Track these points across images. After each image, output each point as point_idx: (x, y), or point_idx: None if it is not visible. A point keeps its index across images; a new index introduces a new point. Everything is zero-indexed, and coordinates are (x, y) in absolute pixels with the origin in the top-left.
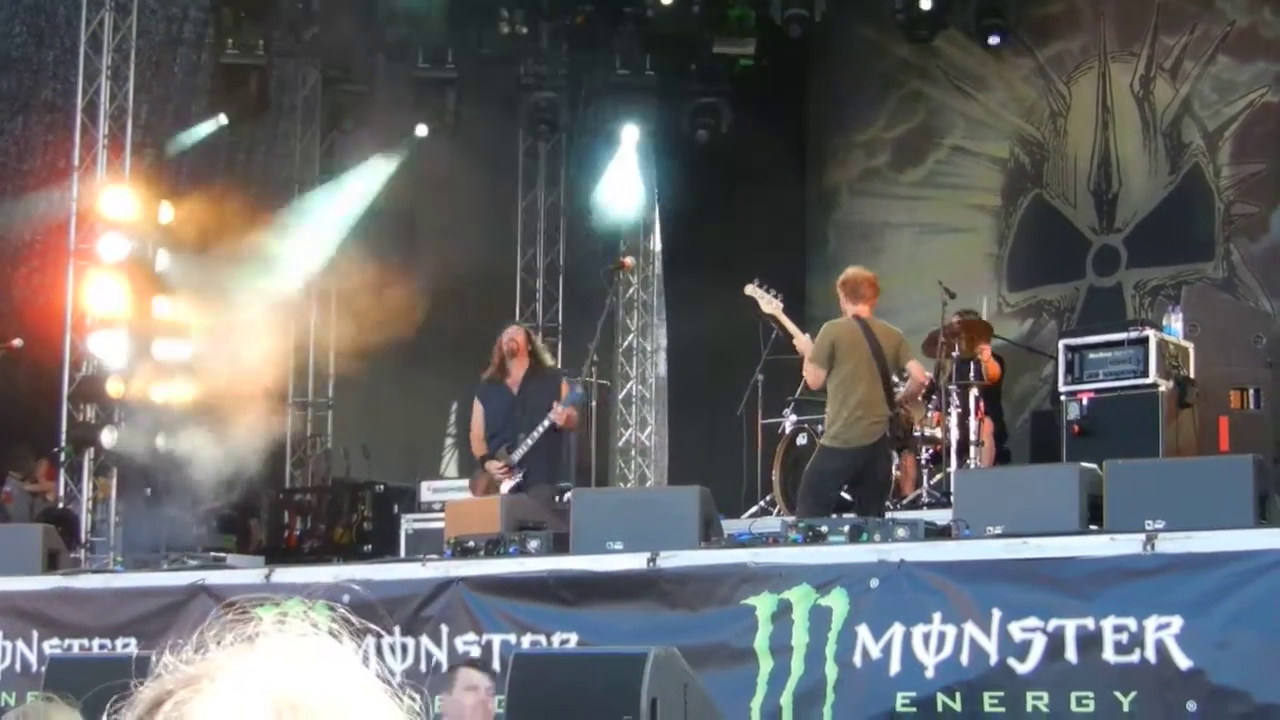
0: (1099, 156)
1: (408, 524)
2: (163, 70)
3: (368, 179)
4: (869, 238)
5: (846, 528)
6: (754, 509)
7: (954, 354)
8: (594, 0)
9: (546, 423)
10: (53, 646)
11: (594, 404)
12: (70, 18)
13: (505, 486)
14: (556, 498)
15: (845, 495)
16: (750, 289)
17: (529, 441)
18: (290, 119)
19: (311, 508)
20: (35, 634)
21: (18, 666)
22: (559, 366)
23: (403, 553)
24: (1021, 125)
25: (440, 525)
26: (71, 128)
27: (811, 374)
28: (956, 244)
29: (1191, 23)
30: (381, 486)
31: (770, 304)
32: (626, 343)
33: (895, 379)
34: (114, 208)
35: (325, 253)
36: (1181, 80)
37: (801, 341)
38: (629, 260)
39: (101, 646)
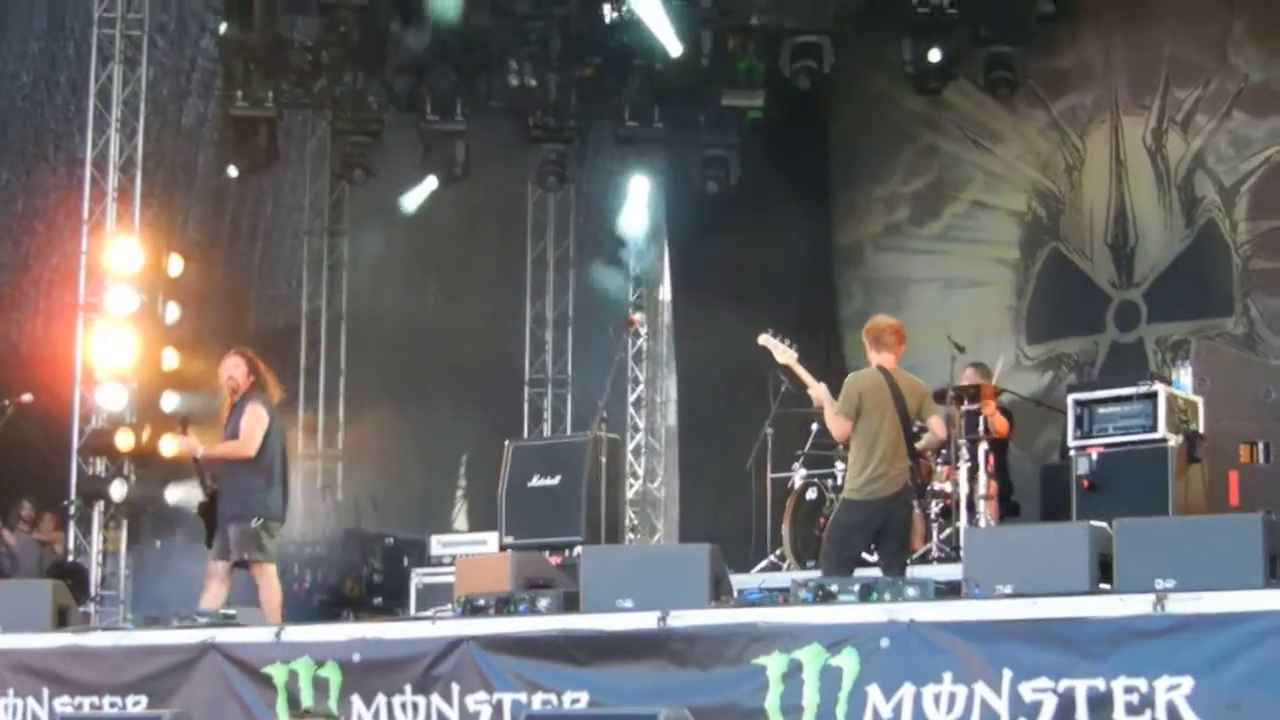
0: (1114, 210)
1: (418, 579)
2: (171, 123)
3: (377, 233)
4: (894, 293)
5: (857, 587)
6: (764, 563)
7: (963, 408)
8: (602, 52)
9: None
10: (63, 704)
11: (603, 458)
12: (80, 71)
13: None
14: (254, 523)
15: (866, 555)
16: (764, 339)
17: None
18: (299, 170)
19: (322, 560)
20: (45, 691)
21: None
22: (269, 392)
23: (413, 608)
24: (1038, 178)
25: (450, 580)
26: (81, 180)
27: (837, 427)
28: (977, 297)
29: (1205, 77)
30: (391, 539)
31: (785, 354)
32: (636, 394)
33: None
34: (123, 260)
35: (335, 304)
36: (1194, 134)
37: (817, 391)
38: (637, 317)
39: (112, 705)
